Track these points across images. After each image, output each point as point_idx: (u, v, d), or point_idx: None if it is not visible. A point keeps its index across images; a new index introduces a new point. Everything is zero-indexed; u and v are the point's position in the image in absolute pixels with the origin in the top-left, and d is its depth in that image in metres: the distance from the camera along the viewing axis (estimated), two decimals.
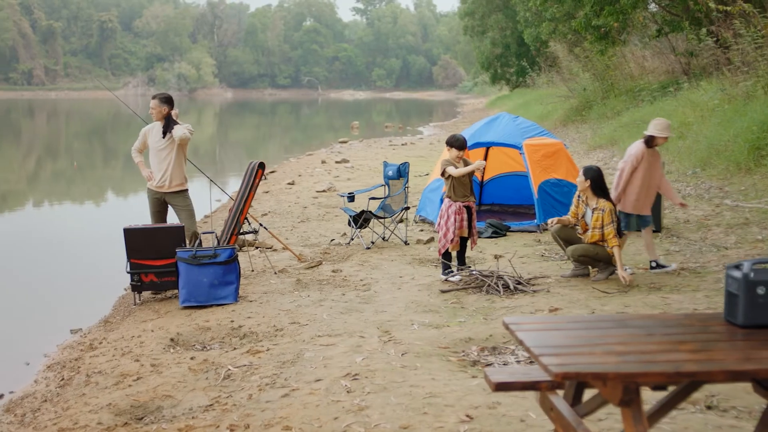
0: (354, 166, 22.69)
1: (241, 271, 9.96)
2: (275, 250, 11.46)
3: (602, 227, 8.84)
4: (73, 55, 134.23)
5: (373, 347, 6.84)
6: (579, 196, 9.14)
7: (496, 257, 10.20)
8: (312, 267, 10.27)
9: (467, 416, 5.23)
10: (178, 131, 9.53)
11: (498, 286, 8.66)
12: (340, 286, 9.27)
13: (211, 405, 5.87)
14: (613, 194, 9.21)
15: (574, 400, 4.08)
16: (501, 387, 4.25)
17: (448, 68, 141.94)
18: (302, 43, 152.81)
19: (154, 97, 9.73)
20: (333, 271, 9.96)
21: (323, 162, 24.40)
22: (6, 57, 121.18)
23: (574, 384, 4.07)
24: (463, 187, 9.35)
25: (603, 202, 8.90)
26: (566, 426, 3.92)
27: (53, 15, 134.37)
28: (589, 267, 9.18)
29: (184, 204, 9.89)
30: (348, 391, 5.83)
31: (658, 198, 11.01)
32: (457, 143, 9.37)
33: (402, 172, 11.70)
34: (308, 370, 6.37)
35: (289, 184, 19.17)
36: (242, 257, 10.65)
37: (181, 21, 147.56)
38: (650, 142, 9.23)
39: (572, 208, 9.22)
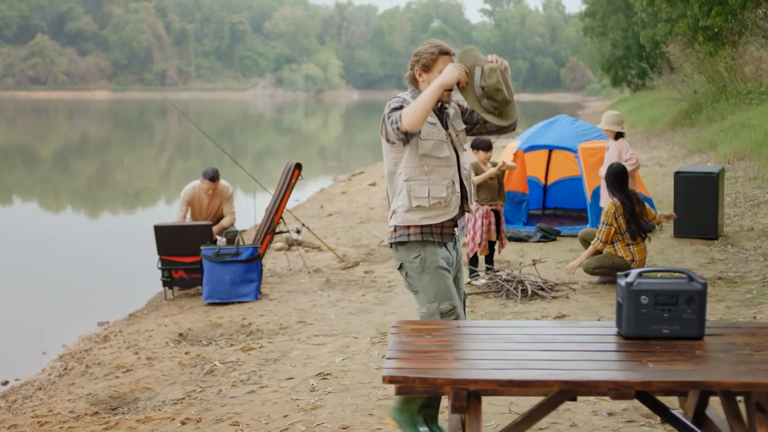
0: None
1: (278, 270, 10.15)
2: (321, 250, 11.59)
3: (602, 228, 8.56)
4: (204, 57, 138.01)
5: (359, 348, 6.88)
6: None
7: (534, 262, 10.04)
8: (348, 267, 10.36)
9: None
10: (228, 220, 10.20)
11: (517, 291, 8.56)
12: (365, 286, 9.33)
13: (182, 398, 6.03)
14: None
15: None
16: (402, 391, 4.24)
17: (576, 70, 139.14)
18: None
19: (210, 179, 9.98)
20: (365, 272, 10.02)
21: None
22: (141, 58, 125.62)
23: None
24: (490, 190, 9.24)
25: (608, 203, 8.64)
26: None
27: (186, 17, 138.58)
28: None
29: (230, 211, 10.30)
30: (311, 390, 5.88)
31: (716, 204, 10.75)
32: (482, 145, 9.27)
33: None
34: (286, 368, 6.46)
35: (370, 185, 19.33)
36: (281, 256, 10.81)
37: (310, 23, 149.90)
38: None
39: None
